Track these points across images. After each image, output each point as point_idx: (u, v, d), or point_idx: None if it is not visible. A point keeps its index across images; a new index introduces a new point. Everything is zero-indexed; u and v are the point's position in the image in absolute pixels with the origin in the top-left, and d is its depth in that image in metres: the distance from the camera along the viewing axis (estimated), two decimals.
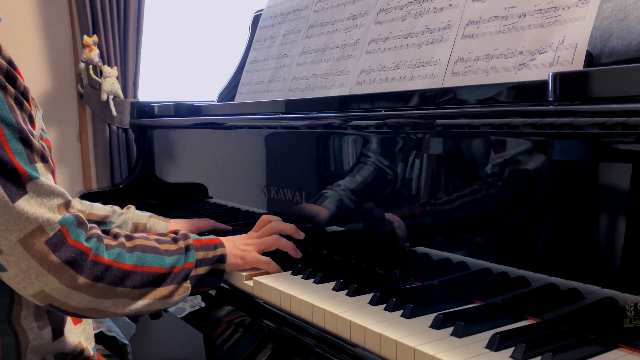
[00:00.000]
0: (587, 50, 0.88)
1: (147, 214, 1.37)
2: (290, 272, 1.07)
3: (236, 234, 1.15)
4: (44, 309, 0.93)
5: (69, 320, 0.99)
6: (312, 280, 1.01)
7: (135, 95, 2.31)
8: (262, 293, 1.02)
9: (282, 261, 1.10)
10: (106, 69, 2.17)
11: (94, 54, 2.13)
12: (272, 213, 1.30)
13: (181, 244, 1.01)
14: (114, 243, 0.92)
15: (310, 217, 1.19)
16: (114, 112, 2.19)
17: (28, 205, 0.81)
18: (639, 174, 0.68)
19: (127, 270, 0.90)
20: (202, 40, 2.59)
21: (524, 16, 0.98)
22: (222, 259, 1.04)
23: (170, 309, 1.30)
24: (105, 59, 2.20)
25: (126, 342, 1.71)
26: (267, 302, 1.00)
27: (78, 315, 0.90)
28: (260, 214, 1.24)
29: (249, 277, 1.06)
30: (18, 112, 0.84)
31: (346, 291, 0.94)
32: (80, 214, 0.89)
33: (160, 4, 2.51)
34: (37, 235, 0.82)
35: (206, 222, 1.42)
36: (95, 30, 2.17)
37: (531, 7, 0.97)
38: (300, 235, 1.17)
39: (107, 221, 1.33)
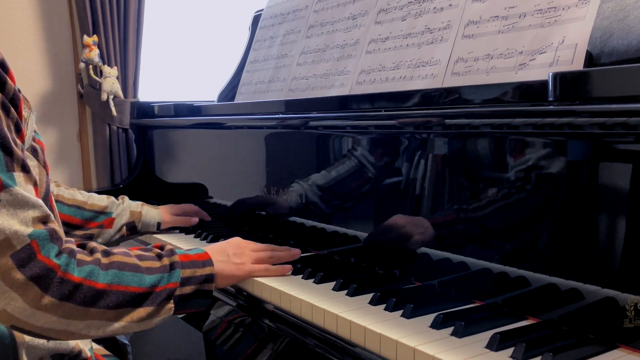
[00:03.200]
0: (587, 50, 0.88)
1: (139, 203, 1.44)
2: (291, 272, 1.07)
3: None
4: None
5: None
6: (312, 280, 1.01)
7: (135, 95, 2.31)
8: (262, 293, 1.02)
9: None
10: (106, 69, 2.17)
11: (94, 54, 2.13)
12: (271, 213, 1.30)
13: (165, 261, 0.93)
14: (88, 259, 0.85)
15: (311, 217, 1.19)
16: (114, 112, 2.19)
17: None
18: (639, 174, 0.68)
19: (100, 290, 0.83)
20: (202, 40, 2.59)
21: (524, 16, 0.98)
22: (210, 278, 0.96)
23: None
24: (105, 59, 2.20)
25: (126, 342, 1.71)
26: (267, 302, 1.00)
27: (44, 337, 0.85)
28: (260, 214, 1.24)
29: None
30: (3, 117, 0.79)
31: (346, 291, 0.94)
32: (58, 228, 0.83)
33: (160, 4, 2.51)
34: (3, 248, 0.75)
35: (191, 207, 1.50)
36: (95, 30, 2.17)
37: (531, 7, 0.97)
38: (296, 255, 1.11)
39: (107, 211, 1.38)
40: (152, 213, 1.42)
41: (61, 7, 2.24)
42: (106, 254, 0.89)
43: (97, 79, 2.19)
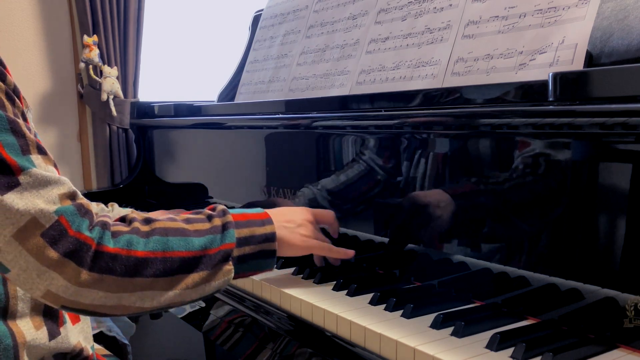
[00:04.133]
0: (587, 50, 0.88)
1: (128, 210, 1.38)
2: (291, 272, 1.07)
3: None
4: (39, 309, 0.92)
5: (66, 319, 0.98)
6: (312, 280, 1.01)
7: (135, 95, 2.31)
8: (262, 293, 1.02)
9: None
10: (106, 69, 2.17)
11: (94, 54, 2.12)
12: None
13: (217, 221, 0.88)
14: (125, 229, 0.82)
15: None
16: (114, 112, 2.19)
17: (20, 197, 0.75)
18: (639, 174, 0.68)
19: (142, 258, 0.80)
20: (202, 40, 2.58)
21: (524, 16, 0.98)
22: (271, 237, 0.91)
23: (170, 309, 1.30)
24: (105, 59, 2.20)
25: (126, 342, 1.71)
26: (267, 302, 1.00)
27: (103, 315, 0.82)
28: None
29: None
30: (9, 106, 0.80)
31: (346, 291, 0.94)
32: (87, 201, 0.82)
33: (160, 4, 2.50)
34: (31, 228, 0.75)
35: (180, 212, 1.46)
36: (95, 30, 2.17)
37: (531, 7, 0.97)
38: (349, 255, 1.06)
39: None
40: None
41: (61, 7, 2.23)
42: (147, 222, 0.85)
43: (97, 79, 2.18)
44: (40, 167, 0.79)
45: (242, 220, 0.90)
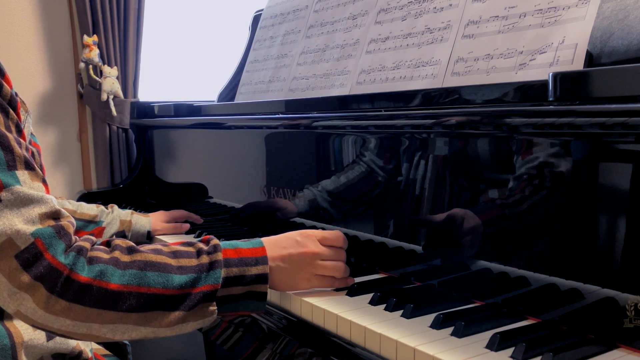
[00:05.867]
0: (587, 50, 0.88)
1: (129, 211, 1.43)
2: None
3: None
4: None
5: None
6: None
7: (135, 95, 2.31)
8: None
9: None
10: (106, 69, 2.17)
11: (94, 54, 2.13)
12: (272, 213, 1.30)
13: (204, 259, 0.83)
14: (104, 257, 0.79)
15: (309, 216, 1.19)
16: (114, 112, 2.19)
17: None
18: (639, 174, 0.68)
19: (115, 291, 0.76)
20: (202, 40, 2.59)
21: (524, 16, 0.98)
22: (262, 278, 0.85)
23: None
24: (105, 59, 2.20)
25: (126, 342, 1.71)
26: (267, 302, 1.00)
27: (70, 338, 0.80)
28: (259, 214, 1.24)
29: None
30: (1, 119, 0.78)
31: (346, 291, 0.94)
32: (68, 223, 0.79)
33: (160, 4, 2.51)
34: (6, 248, 0.73)
35: (181, 213, 1.49)
36: (95, 30, 2.17)
37: (531, 7, 0.97)
38: (349, 283, 0.96)
39: (97, 220, 1.37)
40: (142, 222, 1.41)
41: (61, 7, 2.23)
42: (130, 251, 0.81)
43: (97, 79, 2.18)
44: (26, 183, 0.77)
45: (233, 258, 0.84)
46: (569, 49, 0.89)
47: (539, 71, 0.92)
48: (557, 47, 0.91)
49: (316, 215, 1.19)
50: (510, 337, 0.73)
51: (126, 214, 1.41)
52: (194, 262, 0.82)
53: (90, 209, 1.38)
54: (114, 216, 1.39)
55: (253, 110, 1.42)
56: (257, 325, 1.00)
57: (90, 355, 1.02)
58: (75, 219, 1.30)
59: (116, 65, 2.23)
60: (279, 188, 1.28)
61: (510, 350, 0.70)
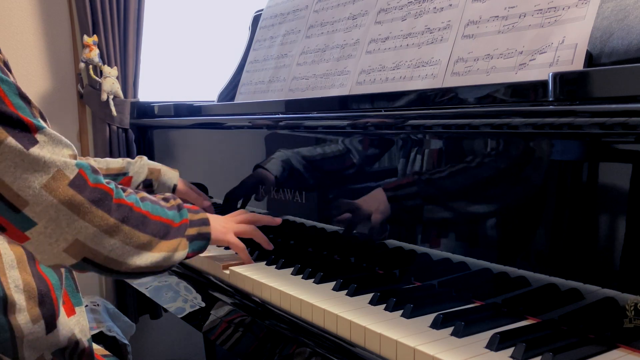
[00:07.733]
0: (587, 50, 0.88)
1: (157, 163, 1.45)
2: (291, 271, 1.07)
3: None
4: (34, 298, 0.93)
5: (62, 312, 0.99)
6: (312, 280, 1.01)
7: (135, 95, 2.31)
8: (262, 293, 1.02)
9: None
10: (106, 69, 2.17)
11: (94, 54, 2.12)
12: (271, 213, 1.30)
13: (172, 202, 1.01)
14: (126, 192, 0.92)
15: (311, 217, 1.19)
16: (114, 112, 2.19)
17: (42, 151, 0.79)
18: (639, 174, 0.68)
19: (145, 216, 0.90)
20: (202, 40, 2.58)
21: (524, 16, 0.98)
22: (206, 221, 1.05)
23: (170, 309, 1.30)
24: (105, 59, 2.20)
25: (126, 342, 1.71)
26: (267, 302, 1.00)
27: (105, 269, 0.88)
28: (260, 214, 1.24)
29: (240, 274, 1.06)
30: (10, 74, 0.82)
31: (346, 291, 0.94)
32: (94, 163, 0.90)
33: (160, 4, 2.50)
34: (59, 178, 0.80)
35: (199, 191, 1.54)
36: (95, 30, 2.17)
37: (531, 7, 0.97)
38: (276, 222, 1.21)
39: (124, 171, 1.37)
40: (170, 174, 1.42)
41: (61, 7, 2.23)
42: (135, 192, 0.95)
43: (97, 79, 2.18)
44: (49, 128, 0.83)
45: (185, 208, 1.02)
46: (568, 49, 0.89)
47: (539, 71, 0.92)
48: (557, 47, 0.91)
49: (316, 215, 1.19)
50: (510, 337, 0.73)
51: (155, 163, 1.41)
52: (168, 204, 1.00)
53: (116, 162, 1.38)
54: (142, 164, 1.38)
55: (253, 110, 1.42)
56: (257, 325, 1.00)
57: (87, 344, 1.02)
58: (103, 175, 1.35)
59: (116, 65, 2.23)
60: (278, 188, 1.28)
61: (510, 350, 0.70)
